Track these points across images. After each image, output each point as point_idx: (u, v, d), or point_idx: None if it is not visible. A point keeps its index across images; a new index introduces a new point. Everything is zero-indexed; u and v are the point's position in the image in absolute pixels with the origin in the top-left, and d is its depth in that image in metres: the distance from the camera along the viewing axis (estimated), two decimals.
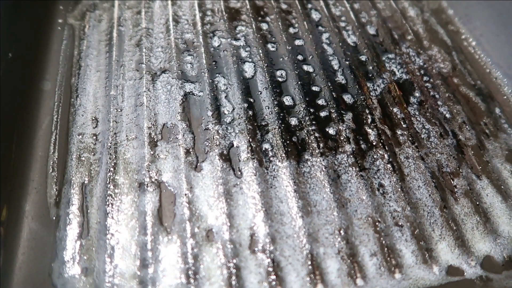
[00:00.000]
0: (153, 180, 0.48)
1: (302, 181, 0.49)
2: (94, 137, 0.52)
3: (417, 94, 0.59)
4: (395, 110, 0.57)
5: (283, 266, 0.43)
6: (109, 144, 0.51)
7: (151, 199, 0.47)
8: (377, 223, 0.46)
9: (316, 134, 0.53)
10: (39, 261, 0.43)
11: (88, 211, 0.46)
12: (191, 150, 0.51)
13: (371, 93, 0.58)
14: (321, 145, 0.52)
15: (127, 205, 0.47)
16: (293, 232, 0.45)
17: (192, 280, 0.42)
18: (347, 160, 0.51)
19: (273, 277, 0.42)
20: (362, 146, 0.53)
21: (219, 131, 0.53)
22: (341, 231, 0.46)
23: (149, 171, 0.49)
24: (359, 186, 0.49)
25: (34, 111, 0.54)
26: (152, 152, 0.50)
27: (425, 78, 0.61)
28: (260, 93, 0.57)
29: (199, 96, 0.57)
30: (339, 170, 0.50)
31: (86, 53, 0.62)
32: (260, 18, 0.68)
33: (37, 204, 0.47)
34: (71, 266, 0.42)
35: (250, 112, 0.55)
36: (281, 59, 0.62)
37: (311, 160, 0.51)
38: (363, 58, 0.63)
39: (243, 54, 0.62)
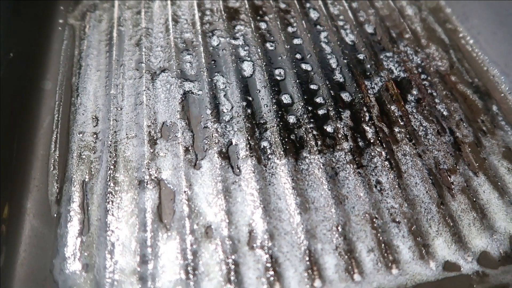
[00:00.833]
0: (152, 177, 0.49)
1: (300, 178, 0.49)
2: (95, 136, 0.53)
3: (414, 92, 0.59)
4: (392, 108, 0.57)
5: (281, 262, 0.44)
6: (109, 142, 0.52)
7: (151, 197, 0.47)
8: (374, 220, 0.47)
9: (314, 132, 0.54)
10: (41, 257, 0.44)
11: (89, 208, 0.47)
12: (190, 148, 0.52)
13: (369, 91, 0.59)
14: (319, 142, 0.53)
15: (127, 203, 0.47)
16: (291, 228, 0.46)
17: (191, 276, 0.42)
18: (345, 157, 0.52)
19: (271, 272, 0.43)
20: (360, 143, 0.53)
21: (218, 129, 0.53)
22: (339, 228, 0.46)
23: (148, 169, 0.49)
24: (356, 183, 0.50)
25: (35, 110, 0.55)
26: (151, 150, 0.51)
27: (422, 76, 0.62)
28: (259, 92, 0.58)
29: (198, 94, 0.57)
30: (337, 168, 0.51)
31: (87, 53, 0.62)
32: (258, 18, 0.68)
33: (38, 201, 0.47)
34: (72, 263, 0.43)
35: (249, 110, 0.55)
36: (280, 58, 0.63)
37: (309, 157, 0.51)
38: (361, 56, 0.64)
39: (242, 53, 0.63)
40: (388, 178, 0.50)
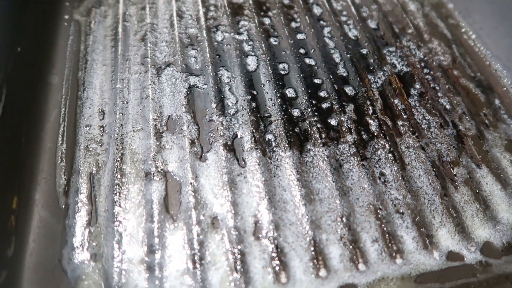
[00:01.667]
0: (159, 169, 0.49)
1: (304, 170, 0.50)
2: (101, 129, 0.54)
3: (417, 86, 0.60)
4: (396, 101, 0.58)
5: (286, 252, 0.44)
6: (116, 135, 0.52)
7: (158, 188, 0.48)
8: (378, 211, 0.47)
9: (318, 125, 0.54)
10: (49, 247, 0.44)
11: (96, 199, 0.48)
12: (196, 140, 0.52)
13: (372, 85, 0.59)
14: (323, 135, 0.53)
15: (134, 194, 0.48)
16: (296, 219, 0.46)
17: (198, 265, 0.43)
18: (348, 150, 0.52)
19: (277, 262, 0.43)
20: (364, 136, 0.54)
21: (223, 122, 0.54)
22: (343, 218, 0.47)
23: (155, 161, 0.50)
24: (360, 175, 0.50)
25: (42, 104, 0.56)
26: (158, 143, 0.52)
27: (425, 71, 0.62)
28: (263, 86, 0.58)
29: (203, 88, 0.58)
30: (341, 160, 0.51)
31: (92, 48, 0.63)
32: (262, 13, 0.69)
33: (46, 193, 0.48)
34: (80, 252, 0.44)
35: (254, 104, 0.56)
36: (283, 52, 0.63)
37: (313, 150, 0.52)
38: (364, 51, 0.64)
39: (246, 48, 0.63)
40: (391, 170, 0.51)
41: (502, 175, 0.51)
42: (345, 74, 0.61)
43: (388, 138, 0.53)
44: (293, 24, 0.68)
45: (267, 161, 0.51)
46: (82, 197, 0.47)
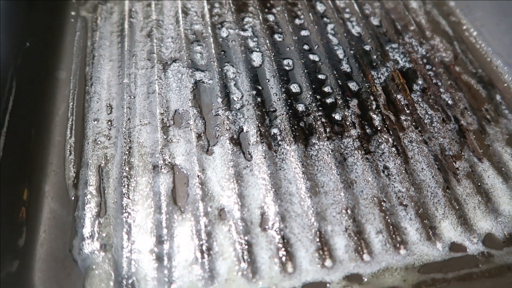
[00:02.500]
0: (166, 162, 0.50)
1: (310, 164, 0.51)
2: (109, 123, 0.54)
3: (420, 82, 0.61)
4: (399, 96, 0.59)
5: (293, 243, 0.45)
6: (124, 129, 0.53)
7: (165, 181, 0.49)
8: (382, 203, 0.48)
9: (323, 120, 0.55)
10: (60, 238, 0.45)
11: (105, 191, 0.48)
12: (202, 134, 0.53)
13: (376, 81, 0.60)
14: (328, 129, 0.54)
15: (142, 186, 0.49)
16: (302, 211, 0.47)
17: (206, 256, 0.44)
18: (353, 144, 0.53)
19: (284, 252, 0.44)
20: (367, 130, 0.55)
21: (229, 117, 0.55)
22: (348, 210, 0.47)
23: (162, 154, 0.51)
24: (364, 168, 0.51)
25: (51, 99, 0.56)
26: (165, 137, 0.52)
27: (427, 67, 0.63)
28: (268, 81, 0.59)
29: (209, 84, 0.59)
30: (345, 153, 0.52)
31: (99, 44, 0.64)
32: (266, 10, 0.70)
33: (56, 185, 0.49)
34: (90, 243, 0.44)
35: (259, 99, 0.57)
36: (288, 48, 0.64)
37: (318, 144, 0.53)
38: (367, 47, 0.65)
39: (251, 44, 0.64)
40: (395, 164, 0.52)
41: (503, 169, 0.52)
42: (348, 70, 0.62)
43: (391, 133, 0.54)
44: (297, 21, 0.69)
45: (273, 154, 0.52)
46: (91, 189, 0.48)
